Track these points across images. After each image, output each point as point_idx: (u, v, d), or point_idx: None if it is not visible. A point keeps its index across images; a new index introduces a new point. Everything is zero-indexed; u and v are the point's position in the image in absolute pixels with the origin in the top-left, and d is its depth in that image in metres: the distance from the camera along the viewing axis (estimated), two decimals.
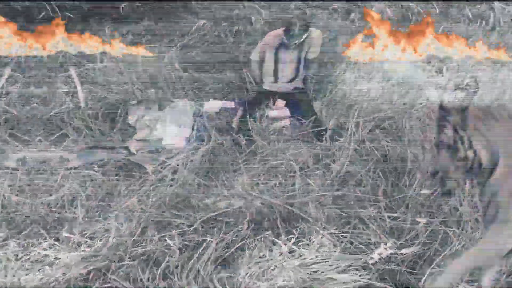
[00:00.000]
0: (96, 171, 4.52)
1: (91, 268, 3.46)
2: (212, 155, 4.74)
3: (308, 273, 3.42)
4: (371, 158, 4.49)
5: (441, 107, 2.78)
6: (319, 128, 5.00)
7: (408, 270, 3.46)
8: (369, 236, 3.77)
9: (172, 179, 4.44)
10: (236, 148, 4.85)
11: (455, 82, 5.66)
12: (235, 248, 3.64)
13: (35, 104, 5.25)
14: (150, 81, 5.87)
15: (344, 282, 3.37)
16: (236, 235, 3.79)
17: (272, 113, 5.38)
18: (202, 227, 3.87)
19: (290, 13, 7.39)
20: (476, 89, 5.42)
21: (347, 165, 4.42)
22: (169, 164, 4.59)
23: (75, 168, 4.49)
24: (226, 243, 3.70)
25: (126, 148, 4.83)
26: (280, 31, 5.47)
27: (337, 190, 4.24)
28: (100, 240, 3.79)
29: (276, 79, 5.56)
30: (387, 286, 3.36)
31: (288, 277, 3.39)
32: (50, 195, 4.21)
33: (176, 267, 3.49)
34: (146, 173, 4.54)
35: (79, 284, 3.39)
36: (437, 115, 2.83)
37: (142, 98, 5.48)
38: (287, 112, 5.39)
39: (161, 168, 4.58)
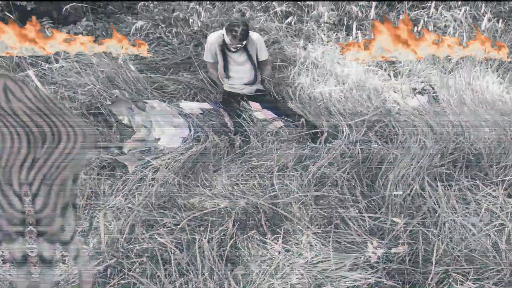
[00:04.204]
0: None
1: (106, 264, 3.48)
2: (200, 155, 4.74)
3: (317, 271, 3.55)
4: (351, 160, 4.58)
5: None
6: (316, 130, 5.08)
7: (413, 268, 3.64)
8: (352, 236, 3.90)
9: (153, 179, 4.45)
10: (230, 149, 4.88)
11: (411, 86, 5.89)
12: (229, 246, 3.73)
13: None
14: (108, 82, 5.82)
15: (355, 280, 3.52)
16: (224, 234, 3.88)
17: (259, 114, 5.39)
18: (189, 225, 3.93)
19: (230, 15, 7.49)
20: (436, 94, 5.63)
21: (324, 166, 4.51)
22: (152, 164, 4.57)
23: None
24: (216, 242, 3.78)
25: (120, 147, 4.77)
26: (219, 32, 5.51)
27: (315, 190, 4.33)
28: (93, 238, 3.80)
29: (234, 81, 5.61)
30: (396, 284, 3.52)
31: (301, 275, 3.51)
32: None
33: (188, 264, 3.56)
34: (127, 173, 4.50)
35: (97, 281, 3.40)
36: None
37: (112, 99, 5.39)
38: (272, 113, 5.41)
39: (143, 168, 4.56)
